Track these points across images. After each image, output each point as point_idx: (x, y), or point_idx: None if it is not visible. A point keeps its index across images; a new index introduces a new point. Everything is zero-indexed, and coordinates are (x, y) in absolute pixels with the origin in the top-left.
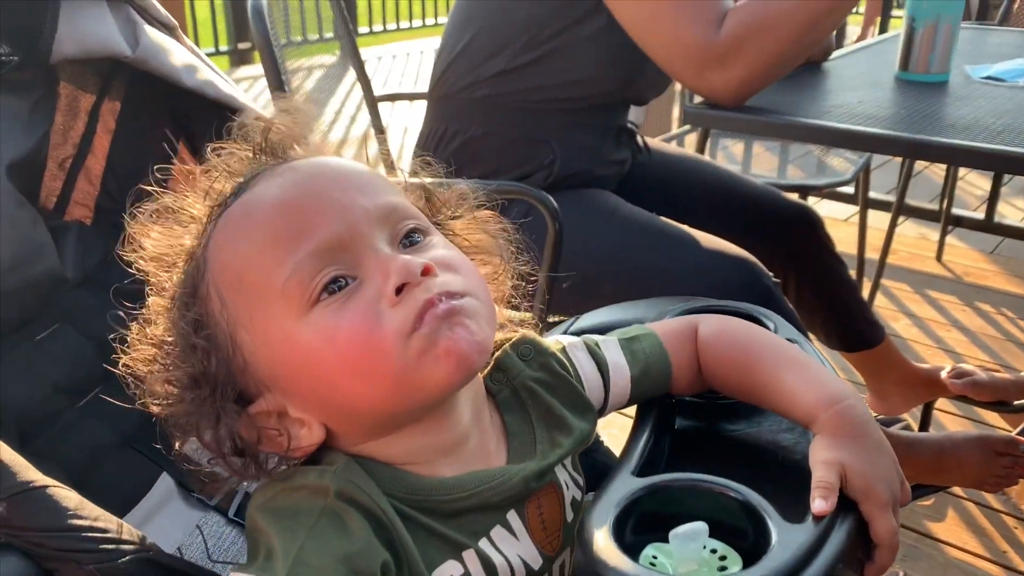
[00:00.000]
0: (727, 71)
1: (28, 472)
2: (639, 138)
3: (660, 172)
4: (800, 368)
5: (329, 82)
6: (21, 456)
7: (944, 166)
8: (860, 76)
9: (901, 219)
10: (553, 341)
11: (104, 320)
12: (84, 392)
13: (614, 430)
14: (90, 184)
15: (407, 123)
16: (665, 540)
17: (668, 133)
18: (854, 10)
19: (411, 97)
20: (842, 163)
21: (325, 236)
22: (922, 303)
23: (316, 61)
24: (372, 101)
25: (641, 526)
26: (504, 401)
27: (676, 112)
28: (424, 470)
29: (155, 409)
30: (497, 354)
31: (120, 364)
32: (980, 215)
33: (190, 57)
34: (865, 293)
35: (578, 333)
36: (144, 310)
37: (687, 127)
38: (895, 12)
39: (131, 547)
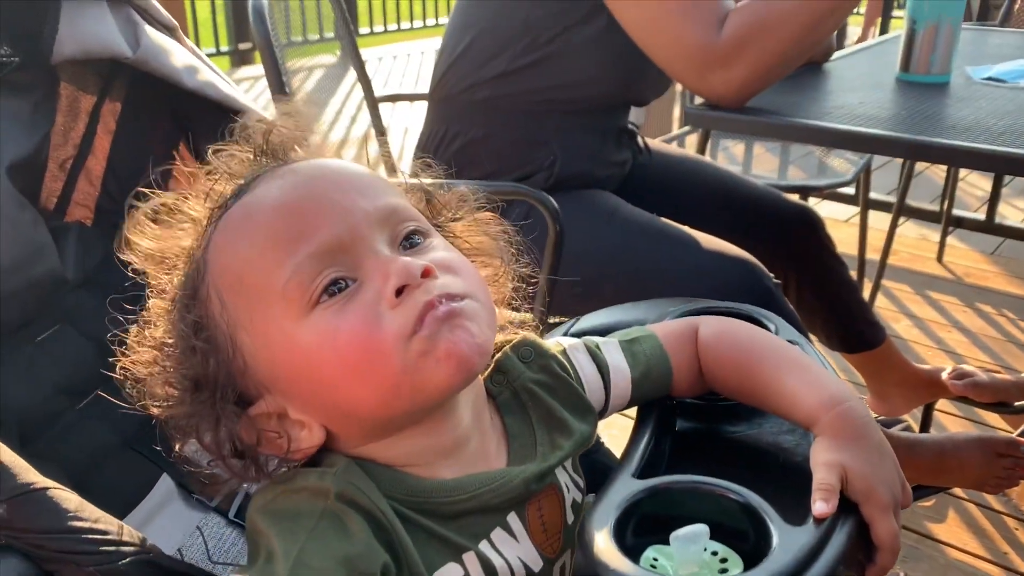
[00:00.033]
0: (728, 72)
1: (28, 474)
2: (640, 139)
3: (661, 173)
4: (801, 370)
5: (330, 82)
6: (21, 457)
7: (945, 167)
8: (861, 77)
9: (902, 220)
10: (554, 343)
11: (105, 321)
12: (85, 393)
13: (614, 431)
14: (91, 185)
15: (408, 124)
16: (666, 542)
17: (669, 134)
18: (855, 10)
19: (411, 98)
20: (843, 164)
21: (325, 238)
22: (923, 304)
23: (317, 61)
24: (373, 102)
25: (642, 528)
26: (504, 403)
27: (677, 113)
28: (424, 472)
29: (155, 411)
30: (497, 356)
31: (119, 366)
32: (981, 216)
33: (191, 58)
34: (866, 294)
35: (579, 335)
36: (144, 312)
37: (688, 128)
38: (896, 13)
39: (131, 549)
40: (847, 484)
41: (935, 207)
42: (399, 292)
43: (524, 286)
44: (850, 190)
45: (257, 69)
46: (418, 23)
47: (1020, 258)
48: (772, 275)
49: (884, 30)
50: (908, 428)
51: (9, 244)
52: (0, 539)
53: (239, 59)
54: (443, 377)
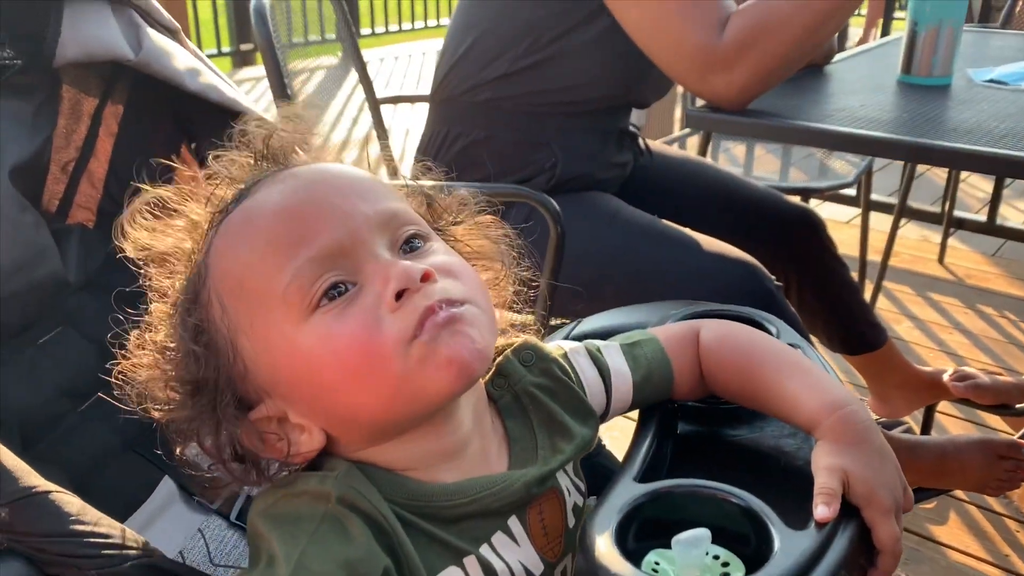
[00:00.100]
0: (730, 75)
1: (30, 477)
2: (641, 141)
3: (662, 175)
4: (802, 374)
5: (331, 83)
6: (23, 460)
7: (946, 168)
8: (862, 79)
9: (903, 221)
10: (555, 346)
11: (107, 324)
12: (87, 396)
13: (615, 433)
14: (93, 187)
15: (409, 125)
16: (668, 546)
17: (670, 135)
18: (856, 12)
19: (413, 99)
20: (844, 165)
21: (325, 242)
22: (924, 305)
23: (318, 62)
24: (374, 103)
25: (643, 532)
26: (506, 407)
27: (678, 114)
28: (425, 476)
29: (156, 414)
30: (499, 360)
31: (119, 369)
32: (982, 217)
33: (193, 60)
34: (867, 295)
35: (580, 337)
36: (146, 315)
37: (689, 130)
38: (898, 14)
39: (133, 553)
40: (848, 488)
41: (936, 209)
42: (399, 296)
43: (525, 289)
44: (851, 192)
45: (259, 70)
46: (419, 24)
47: (1021, 260)
48: (773, 277)
49: (886, 32)
50: (909, 430)
51: (10, 246)
52: (2, 543)
53: (240, 60)
54: (443, 382)
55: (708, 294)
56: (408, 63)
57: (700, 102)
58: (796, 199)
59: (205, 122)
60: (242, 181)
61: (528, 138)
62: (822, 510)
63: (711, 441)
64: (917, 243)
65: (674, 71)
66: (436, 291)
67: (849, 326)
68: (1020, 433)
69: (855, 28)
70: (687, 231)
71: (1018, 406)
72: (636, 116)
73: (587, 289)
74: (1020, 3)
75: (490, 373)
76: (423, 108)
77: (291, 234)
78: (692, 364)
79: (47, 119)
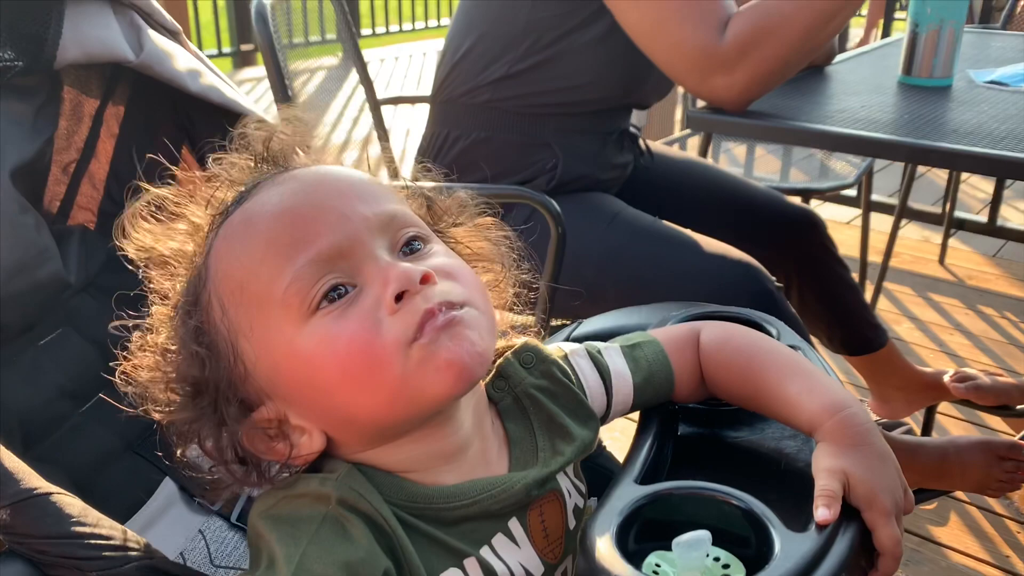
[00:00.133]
0: (731, 76)
1: (32, 479)
2: (642, 142)
3: (662, 176)
4: (803, 376)
5: (331, 84)
6: (24, 462)
7: (947, 169)
8: (863, 80)
9: (904, 222)
10: (555, 348)
11: (107, 325)
12: (88, 397)
13: (616, 433)
14: (94, 188)
15: (409, 126)
16: (668, 548)
17: (671, 136)
18: (856, 12)
19: (413, 100)
20: (845, 166)
21: (325, 244)
22: (924, 306)
23: (318, 63)
24: (375, 104)
25: (644, 534)
26: (506, 409)
27: (679, 115)
28: (425, 478)
29: (157, 416)
30: (499, 361)
31: (121, 370)
32: (983, 218)
33: (194, 62)
34: (867, 296)
35: (580, 339)
36: (147, 318)
37: (689, 131)
38: (898, 15)
39: (135, 554)
40: (849, 490)
41: (937, 209)
42: (399, 298)
43: (526, 291)
44: (852, 192)
45: (259, 71)
46: (420, 24)
47: (1022, 260)
48: (774, 278)
49: (886, 33)
50: (910, 431)
51: (11, 247)
52: (3, 544)
53: (241, 61)
54: (443, 385)
55: (708, 295)
56: (408, 64)
57: (701, 103)
58: (797, 200)
59: (206, 123)
60: (242, 183)
61: (529, 139)
62: (823, 512)
63: (712, 443)
64: (918, 244)
65: (675, 72)
66: (436, 293)
67: (850, 327)
68: (1021, 434)
69: (856, 29)
70: (687, 232)
71: (1019, 407)
72: (637, 117)
73: (588, 290)
74: (1021, 4)
75: (490, 375)
76: (423, 109)
77: (291, 236)
78: (693, 366)
79: (48, 120)
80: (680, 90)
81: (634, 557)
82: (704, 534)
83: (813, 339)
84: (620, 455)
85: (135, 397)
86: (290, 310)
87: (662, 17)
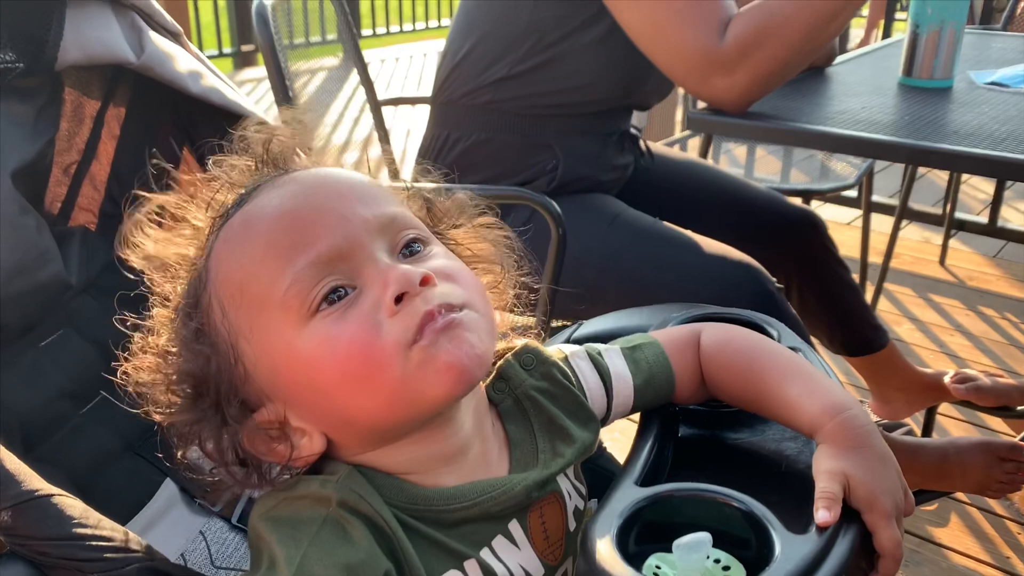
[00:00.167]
0: (731, 77)
1: (33, 480)
2: (642, 143)
3: (663, 177)
4: (804, 378)
5: (332, 85)
6: (25, 462)
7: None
8: (863, 82)
9: (904, 223)
10: (555, 350)
11: (108, 326)
12: (89, 398)
13: (616, 434)
14: (95, 190)
15: (410, 126)
16: (669, 550)
17: (671, 137)
18: (857, 12)
19: (413, 101)
20: (845, 167)
21: (324, 247)
22: (925, 307)
23: (319, 64)
24: (375, 104)
25: (644, 536)
26: (506, 410)
27: (679, 116)
28: (425, 480)
29: (158, 417)
30: (499, 363)
31: (122, 372)
32: (983, 219)
33: (195, 63)
34: (868, 297)
35: (581, 340)
36: (148, 319)
37: (690, 131)
38: (899, 15)
39: (136, 556)
40: (849, 492)
41: (937, 210)
42: (398, 300)
43: (526, 292)
44: (853, 193)
45: (260, 71)
46: (420, 25)
47: (1022, 261)
48: (774, 279)
49: (887, 34)
50: (910, 432)
51: (12, 248)
52: (4, 546)
53: (242, 61)
54: (442, 387)
55: (709, 296)
56: (409, 64)
57: (701, 104)
58: (797, 201)
59: (207, 125)
60: (242, 186)
61: (529, 140)
62: (823, 514)
63: (712, 445)
64: (918, 245)
65: (675, 74)
66: (435, 295)
67: (850, 328)
68: (1021, 435)
69: (856, 30)
70: (688, 233)
71: (1019, 408)
72: (637, 118)
73: (588, 291)
74: (1021, 5)
75: (491, 377)
76: (424, 110)
77: (291, 238)
78: (693, 368)
79: (49, 122)
80: (681, 91)
81: (634, 559)
82: (705, 536)
83: (814, 340)
84: (621, 456)
85: (136, 398)
86: (290, 312)
87: (662, 18)
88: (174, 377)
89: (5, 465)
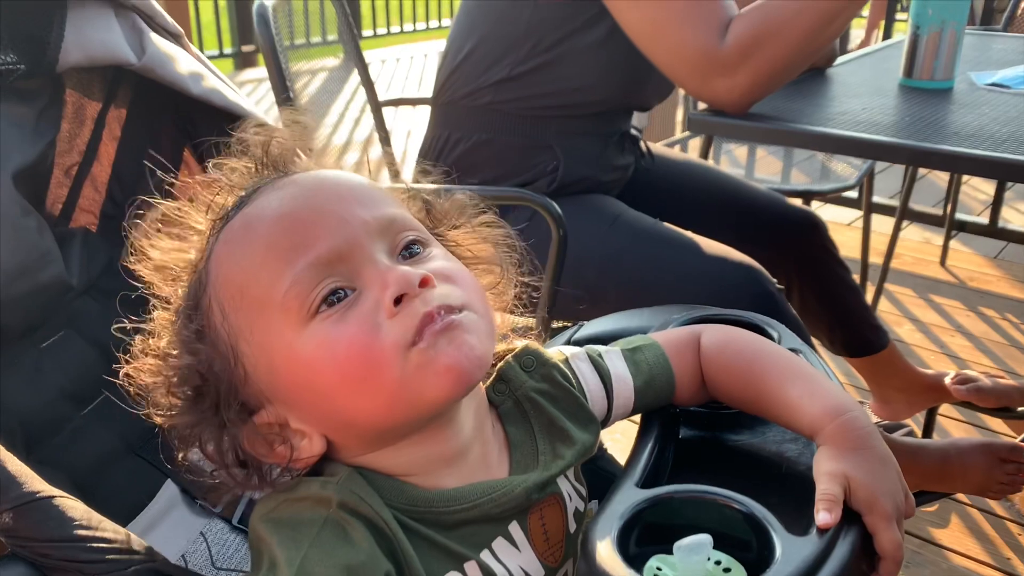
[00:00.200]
0: (732, 78)
1: (34, 482)
2: (643, 144)
3: (663, 178)
4: (804, 380)
5: (333, 85)
6: (27, 464)
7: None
8: (864, 83)
9: (905, 224)
10: (556, 351)
11: (109, 327)
12: (90, 399)
13: (617, 435)
14: (96, 191)
15: (411, 127)
16: (669, 552)
17: (672, 138)
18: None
19: (414, 102)
20: (846, 168)
21: (324, 248)
22: (926, 308)
23: (320, 64)
24: (376, 105)
25: (645, 538)
26: (507, 412)
27: (680, 117)
28: (425, 481)
29: (158, 419)
30: (500, 365)
31: (123, 373)
32: (984, 220)
33: (196, 65)
34: (869, 298)
35: (581, 342)
36: (149, 322)
37: (690, 132)
38: (899, 16)
39: (138, 558)
40: (850, 494)
41: (938, 211)
42: (398, 302)
43: (527, 293)
44: (853, 194)
45: (260, 72)
46: (421, 25)
47: (1023, 262)
48: (775, 279)
49: (887, 35)
50: (911, 433)
51: (14, 250)
52: (5, 548)
53: (242, 62)
54: (441, 389)
55: (709, 296)
56: (410, 65)
57: (702, 105)
58: (798, 201)
59: (208, 126)
60: (242, 188)
61: (530, 141)
62: (824, 516)
63: (713, 446)
64: (919, 245)
65: (676, 75)
66: (435, 297)
67: (851, 329)
68: (1022, 436)
69: (857, 31)
70: (688, 234)
71: (1020, 409)
72: (638, 119)
73: (589, 292)
74: (1022, 6)
75: (491, 378)
76: (425, 111)
77: (290, 240)
78: (694, 369)
79: (50, 123)
80: (681, 92)
81: (635, 561)
82: (705, 538)
83: (814, 341)
84: (621, 458)
85: (137, 400)
86: (289, 314)
87: (663, 19)
88: (174, 379)
89: (6, 467)
